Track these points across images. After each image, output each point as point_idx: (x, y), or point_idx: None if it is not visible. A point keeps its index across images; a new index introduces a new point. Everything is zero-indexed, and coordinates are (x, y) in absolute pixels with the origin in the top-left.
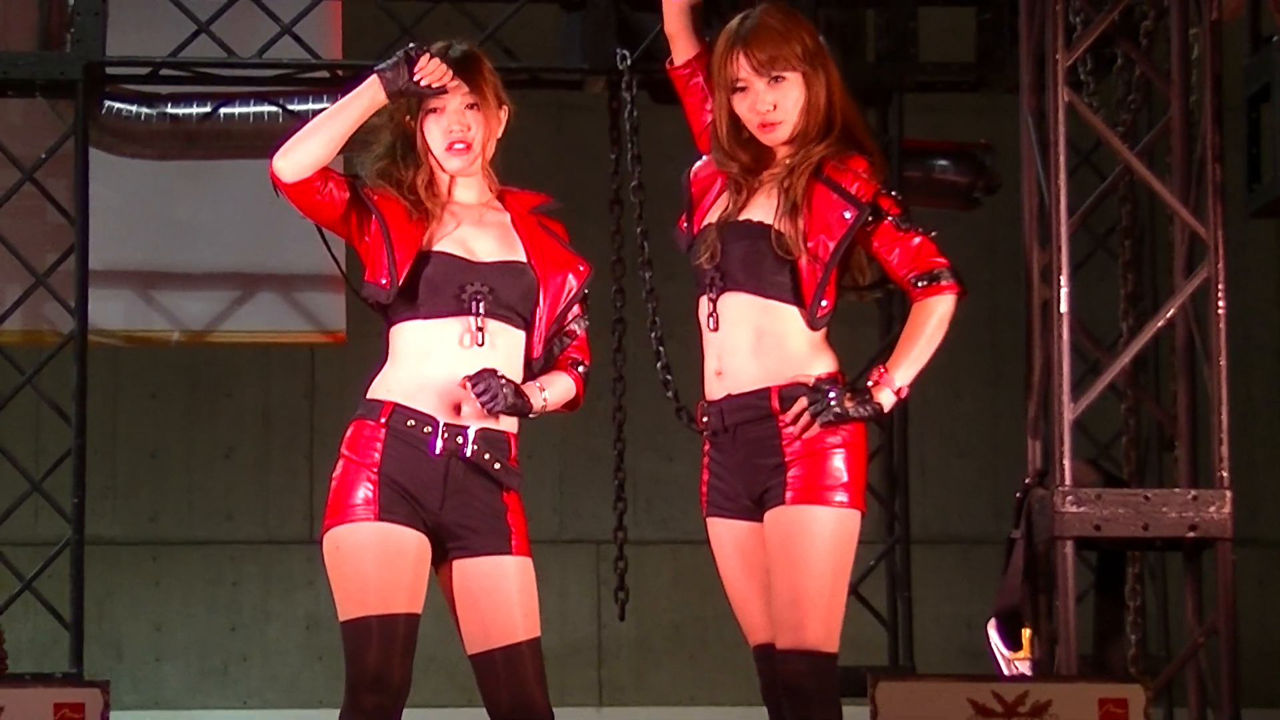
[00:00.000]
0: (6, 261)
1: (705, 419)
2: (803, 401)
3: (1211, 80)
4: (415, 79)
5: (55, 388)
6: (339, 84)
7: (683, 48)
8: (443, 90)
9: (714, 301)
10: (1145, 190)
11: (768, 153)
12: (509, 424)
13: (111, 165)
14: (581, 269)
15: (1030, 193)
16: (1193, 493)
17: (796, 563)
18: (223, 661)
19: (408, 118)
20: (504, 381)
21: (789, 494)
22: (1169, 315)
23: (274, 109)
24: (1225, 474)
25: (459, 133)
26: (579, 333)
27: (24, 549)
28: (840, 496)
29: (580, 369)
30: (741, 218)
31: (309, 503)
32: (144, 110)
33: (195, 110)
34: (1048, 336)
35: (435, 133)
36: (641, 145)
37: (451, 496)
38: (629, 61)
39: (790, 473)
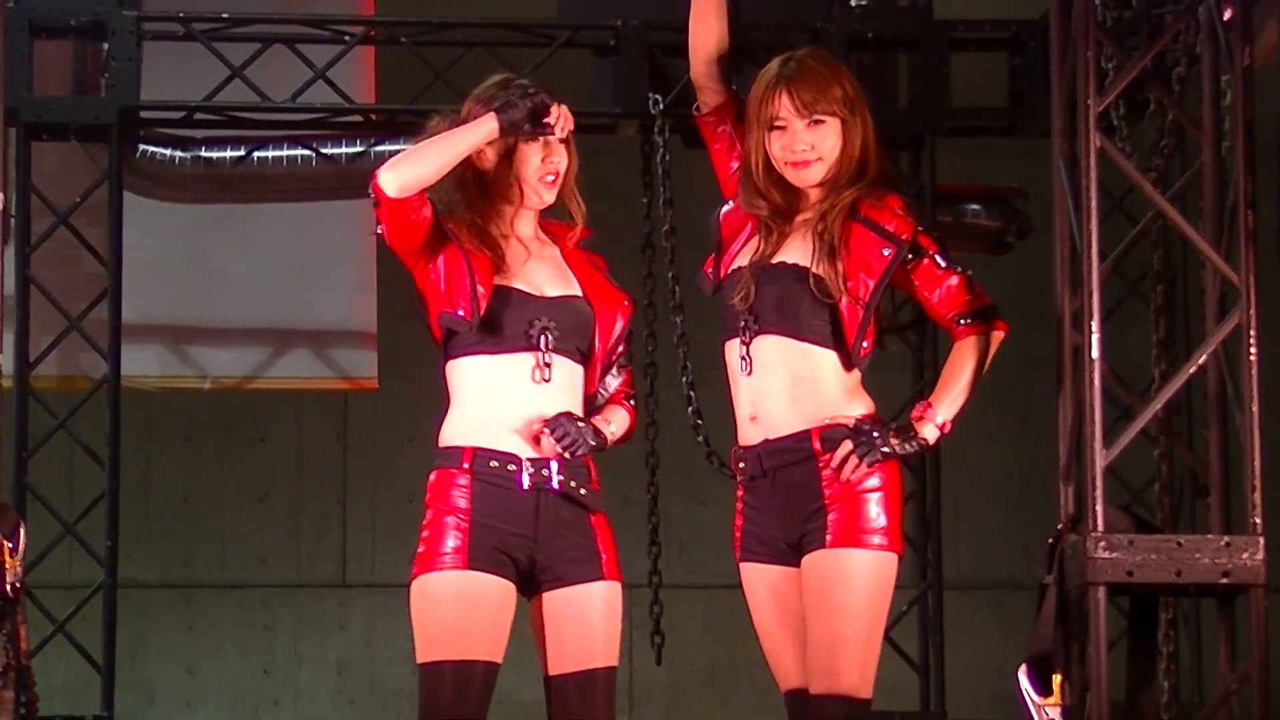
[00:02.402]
0: (41, 307)
1: (741, 465)
2: (847, 445)
3: (1244, 126)
4: (544, 123)
5: (89, 432)
6: (372, 128)
7: (710, 95)
8: (550, 133)
9: (747, 345)
10: (1177, 236)
11: (799, 195)
12: None
13: (145, 213)
14: (626, 304)
15: (1062, 238)
16: (1225, 539)
17: (834, 607)
18: (254, 705)
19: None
20: (581, 425)
21: (828, 537)
22: (1201, 361)
23: (307, 153)
24: (1258, 520)
25: (557, 164)
26: (627, 365)
27: (57, 592)
28: (879, 540)
29: (632, 402)
30: (776, 260)
31: (341, 546)
32: (178, 154)
33: (229, 154)
34: (1079, 382)
35: (533, 162)
36: (673, 190)
37: (544, 530)
38: (661, 106)
39: (830, 516)
